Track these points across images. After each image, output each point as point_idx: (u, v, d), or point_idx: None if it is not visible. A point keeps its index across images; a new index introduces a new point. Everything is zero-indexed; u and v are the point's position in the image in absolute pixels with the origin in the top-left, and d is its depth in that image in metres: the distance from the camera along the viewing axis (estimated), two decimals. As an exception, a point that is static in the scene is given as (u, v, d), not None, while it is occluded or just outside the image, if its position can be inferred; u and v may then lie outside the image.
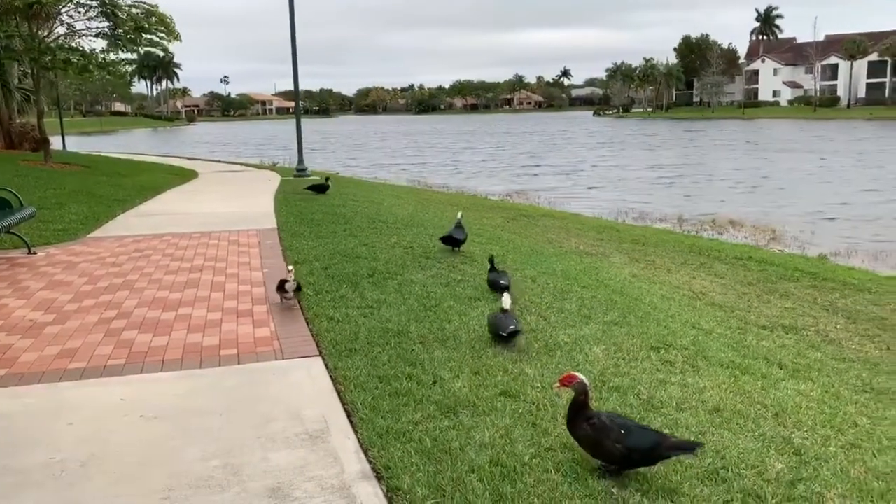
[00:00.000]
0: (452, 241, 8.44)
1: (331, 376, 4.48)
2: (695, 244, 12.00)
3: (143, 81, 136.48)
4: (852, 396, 4.86)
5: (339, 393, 4.22)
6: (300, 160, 19.35)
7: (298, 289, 5.98)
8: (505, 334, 5.02)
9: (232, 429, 3.72)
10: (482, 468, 3.30)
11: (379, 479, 3.24)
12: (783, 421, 4.08)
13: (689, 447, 3.23)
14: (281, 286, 5.91)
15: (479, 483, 3.17)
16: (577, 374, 3.37)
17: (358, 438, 3.63)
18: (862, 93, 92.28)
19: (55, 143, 24.53)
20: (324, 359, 4.78)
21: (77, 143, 38.99)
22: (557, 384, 3.38)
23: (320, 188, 13.83)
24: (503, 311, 5.19)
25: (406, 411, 3.94)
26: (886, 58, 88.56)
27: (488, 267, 6.89)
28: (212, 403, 4.05)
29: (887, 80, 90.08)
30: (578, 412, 3.32)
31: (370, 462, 3.38)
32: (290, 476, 3.24)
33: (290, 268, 6.24)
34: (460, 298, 6.30)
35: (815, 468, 3.47)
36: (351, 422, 3.83)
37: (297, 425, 3.77)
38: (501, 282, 6.55)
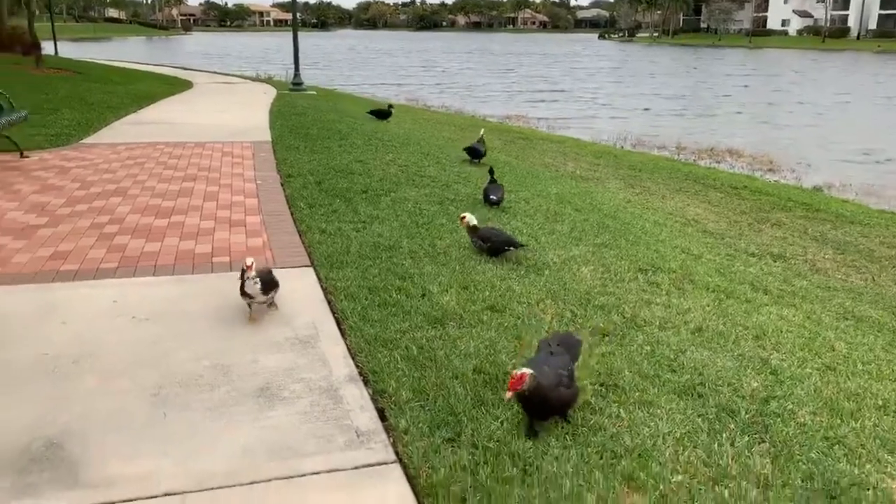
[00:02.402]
0: (474, 153, 9.09)
1: (322, 286, 4.53)
2: (691, 172, 11.97)
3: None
4: (833, 323, 4.95)
5: (329, 302, 4.28)
6: (296, 74, 19.01)
7: (269, 286, 3.91)
8: (508, 248, 5.26)
9: (223, 332, 3.79)
10: (465, 375, 3.39)
11: (365, 382, 3.33)
12: (763, 343, 4.17)
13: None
14: (242, 286, 3.86)
15: (461, 389, 3.26)
16: (524, 370, 2.85)
17: (346, 344, 3.71)
18: (873, 24, 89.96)
19: (47, 48, 23.98)
20: (315, 269, 4.83)
21: (69, 50, 38.08)
22: (509, 394, 2.83)
23: (382, 114, 13.50)
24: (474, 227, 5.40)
25: (394, 321, 4.01)
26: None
27: (488, 178, 7.13)
28: (203, 307, 4.11)
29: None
30: (541, 392, 2.87)
31: (357, 367, 3.47)
32: (279, 377, 3.32)
33: (250, 260, 3.84)
34: (453, 217, 6.31)
35: (789, 387, 3.57)
36: (340, 329, 3.90)
37: (288, 331, 3.84)
38: (492, 196, 6.75)
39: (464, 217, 5.41)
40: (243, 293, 3.85)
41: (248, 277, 3.79)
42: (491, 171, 7.30)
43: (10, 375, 3.25)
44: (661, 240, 6.58)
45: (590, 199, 8.02)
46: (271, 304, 4.06)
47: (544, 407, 2.94)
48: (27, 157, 8.13)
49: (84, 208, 6.07)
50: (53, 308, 4.03)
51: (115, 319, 3.92)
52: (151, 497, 2.47)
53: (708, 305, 4.71)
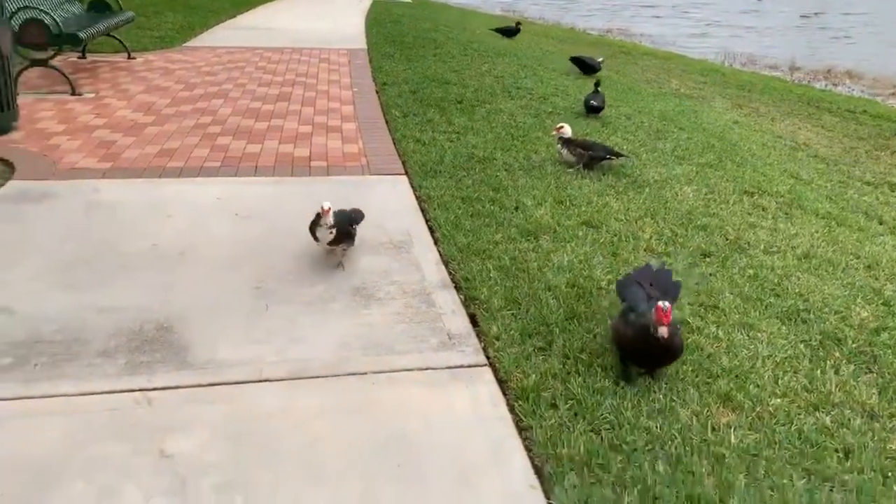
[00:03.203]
0: (584, 66, 9.10)
1: (415, 194, 4.54)
2: (805, 94, 11.21)
3: None
4: (955, 258, 4.62)
5: (422, 210, 4.29)
6: (393, -19, 18.66)
7: (341, 237, 3.39)
8: (609, 157, 5.22)
9: (320, 233, 3.86)
10: (558, 288, 3.35)
11: (457, 288, 3.34)
12: (875, 273, 3.94)
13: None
14: (313, 225, 3.42)
15: (553, 301, 3.24)
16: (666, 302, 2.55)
17: (439, 252, 3.72)
18: None
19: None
20: (409, 178, 4.83)
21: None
22: (664, 329, 2.49)
23: (509, 32, 12.91)
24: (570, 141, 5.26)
25: (487, 232, 3.99)
26: None
27: (592, 89, 7.05)
28: (302, 208, 4.16)
29: None
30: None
31: (450, 273, 3.48)
32: (374, 278, 3.38)
33: (327, 204, 3.34)
34: (549, 130, 6.14)
35: (902, 319, 3.37)
36: (433, 237, 3.92)
37: (382, 235, 3.88)
38: (592, 102, 6.78)
39: (561, 127, 5.26)
40: (313, 235, 3.39)
41: (323, 224, 3.31)
42: (597, 84, 7.13)
43: (123, 263, 3.43)
44: (768, 163, 6.25)
45: (694, 118, 7.65)
46: (339, 264, 3.50)
47: (659, 354, 2.61)
48: (134, 58, 8.37)
49: (188, 109, 6.23)
50: (161, 202, 4.19)
51: (218, 215, 4.05)
52: (253, 382, 2.59)
53: (817, 232, 4.47)
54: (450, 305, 3.17)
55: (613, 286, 3.38)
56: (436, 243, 3.84)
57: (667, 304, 2.52)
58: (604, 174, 5.12)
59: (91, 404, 2.43)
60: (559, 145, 5.25)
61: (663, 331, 2.49)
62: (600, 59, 9.66)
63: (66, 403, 2.43)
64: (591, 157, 5.11)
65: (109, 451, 2.21)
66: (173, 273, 3.36)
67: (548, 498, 2.12)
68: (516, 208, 4.37)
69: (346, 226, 3.43)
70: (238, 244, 3.69)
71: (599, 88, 7.00)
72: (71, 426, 2.32)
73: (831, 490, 2.23)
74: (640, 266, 3.22)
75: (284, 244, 3.70)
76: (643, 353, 2.63)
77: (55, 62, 6.67)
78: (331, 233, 3.32)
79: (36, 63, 6.61)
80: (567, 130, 5.23)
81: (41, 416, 2.36)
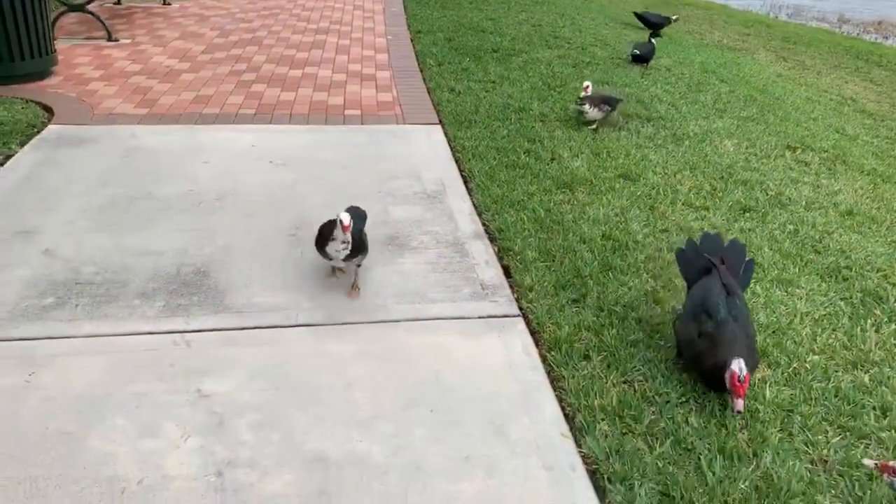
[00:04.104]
0: (643, 20, 8.97)
1: (450, 144, 4.50)
2: (853, 47, 10.82)
3: None
4: None
5: (456, 160, 4.26)
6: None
7: (356, 251, 2.74)
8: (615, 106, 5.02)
9: (355, 181, 3.86)
10: (593, 240, 3.32)
11: (491, 239, 3.32)
12: (921, 232, 3.84)
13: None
14: (321, 242, 2.78)
15: (588, 253, 3.21)
16: (742, 367, 2.18)
17: (473, 202, 3.70)
18: None
19: None
20: (444, 127, 4.78)
21: None
22: (740, 402, 2.15)
23: None
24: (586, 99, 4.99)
25: (522, 183, 3.95)
26: None
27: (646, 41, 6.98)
28: (336, 157, 4.18)
29: None
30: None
31: (483, 224, 3.46)
32: (407, 228, 3.37)
33: (347, 218, 2.65)
34: (587, 80, 6.03)
35: (948, 279, 3.29)
36: (467, 187, 3.89)
37: (416, 185, 3.86)
38: (636, 51, 6.67)
39: (587, 87, 5.03)
40: (321, 253, 2.78)
41: (336, 238, 2.69)
42: (651, 35, 7.05)
43: (160, 208, 3.46)
44: (813, 117, 6.07)
45: (737, 71, 7.44)
46: (353, 284, 2.88)
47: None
48: (169, 4, 8.34)
49: (223, 56, 6.21)
50: (197, 148, 4.21)
51: (253, 162, 4.06)
52: (289, 326, 2.62)
53: (861, 189, 4.35)
54: (483, 256, 3.16)
55: (649, 240, 3.34)
56: (470, 193, 3.81)
57: (743, 368, 2.14)
58: (642, 126, 5.02)
59: (131, 345, 2.48)
60: (587, 105, 4.86)
61: (739, 405, 2.13)
62: (675, 17, 9.49)
63: (106, 343, 2.48)
64: (618, 108, 5.03)
65: (149, 390, 2.26)
66: (210, 218, 3.39)
67: (579, 446, 2.13)
68: (552, 159, 4.32)
69: (360, 234, 2.82)
70: (273, 191, 3.70)
71: (653, 40, 6.87)
72: (112, 365, 2.37)
73: (867, 447, 2.20)
74: (706, 233, 2.78)
75: (318, 192, 3.70)
76: (719, 378, 2.23)
77: (91, 7, 6.66)
78: (346, 247, 2.70)
79: (72, 8, 6.61)
80: (591, 89, 5.04)
81: (84, 354, 2.42)
